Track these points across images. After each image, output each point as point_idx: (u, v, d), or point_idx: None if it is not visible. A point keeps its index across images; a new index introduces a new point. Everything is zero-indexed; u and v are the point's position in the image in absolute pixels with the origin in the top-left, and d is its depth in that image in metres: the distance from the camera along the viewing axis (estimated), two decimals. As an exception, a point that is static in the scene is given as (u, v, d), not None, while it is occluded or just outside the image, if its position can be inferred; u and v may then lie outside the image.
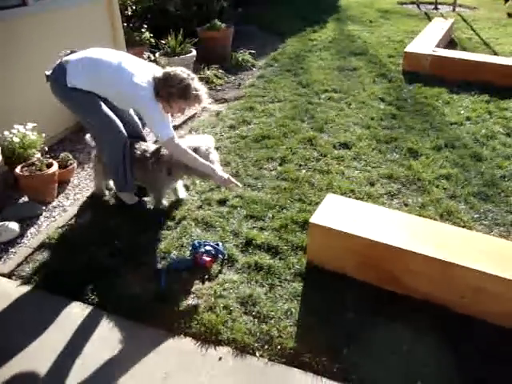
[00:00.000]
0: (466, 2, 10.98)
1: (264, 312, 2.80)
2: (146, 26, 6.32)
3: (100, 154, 3.68)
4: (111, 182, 3.84)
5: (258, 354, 2.59)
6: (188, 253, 3.22)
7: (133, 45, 5.89)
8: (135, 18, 6.39)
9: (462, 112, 5.29)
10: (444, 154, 4.45)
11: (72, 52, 3.49)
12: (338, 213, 3.09)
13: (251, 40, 7.70)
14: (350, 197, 3.75)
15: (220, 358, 2.59)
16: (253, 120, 5.05)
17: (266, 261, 3.16)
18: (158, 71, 3.30)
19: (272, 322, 2.74)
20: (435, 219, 3.55)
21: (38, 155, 3.90)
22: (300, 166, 4.24)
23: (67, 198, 3.95)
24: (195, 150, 3.37)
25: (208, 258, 3.13)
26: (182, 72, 3.22)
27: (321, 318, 2.78)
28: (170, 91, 3.17)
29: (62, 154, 4.15)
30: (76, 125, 4.83)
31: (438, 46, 6.82)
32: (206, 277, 3.07)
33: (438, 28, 7.66)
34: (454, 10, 10.26)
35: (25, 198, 3.90)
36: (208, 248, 3.19)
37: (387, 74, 6.33)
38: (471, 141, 4.68)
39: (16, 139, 3.84)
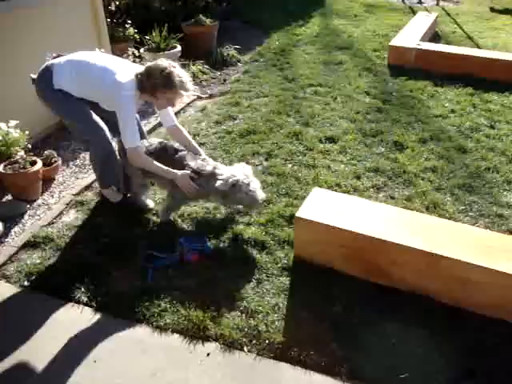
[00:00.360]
0: (450, -5, 11.04)
1: (251, 307, 2.79)
2: (130, 22, 6.27)
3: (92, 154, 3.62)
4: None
5: (246, 349, 2.59)
6: (175, 249, 3.20)
7: (117, 41, 5.85)
8: (119, 14, 6.32)
9: (447, 105, 5.32)
10: (429, 146, 4.48)
11: (59, 55, 3.47)
12: (324, 206, 3.09)
13: (236, 35, 7.67)
14: (336, 190, 3.75)
15: (208, 354, 2.58)
16: (238, 115, 5.03)
17: (253, 255, 3.15)
18: (140, 68, 3.28)
19: (260, 316, 2.74)
20: (421, 211, 3.56)
21: (22, 153, 3.84)
22: (286, 160, 4.23)
23: (52, 196, 3.91)
24: (235, 184, 3.18)
25: (194, 254, 3.12)
26: (163, 62, 3.18)
27: (308, 311, 2.78)
28: (154, 82, 3.13)
29: (46, 152, 4.11)
30: (60, 122, 4.77)
31: (422, 39, 6.84)
32: (193, 273, 3.05)
33: (422, 22, 7.69)
34: (437, 3, 10.30)
35: (8, 197, 3.85)
36: (194, 244, 3.17)
37: (372, 67, 6.34)
38: (456, 133, 4.71)
39: (-2, 137, 3.79)
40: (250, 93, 5.59)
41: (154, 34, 6.05)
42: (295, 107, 5.18)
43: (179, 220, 3.50)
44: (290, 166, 4.15)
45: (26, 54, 4.32)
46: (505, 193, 3.83)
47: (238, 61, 6.76)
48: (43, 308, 2.87)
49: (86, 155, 4.42)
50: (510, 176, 4.02)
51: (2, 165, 3.75)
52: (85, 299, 2.88)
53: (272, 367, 2.52)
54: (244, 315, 2.76)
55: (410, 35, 6.94)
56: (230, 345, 2.61)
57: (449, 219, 3.45)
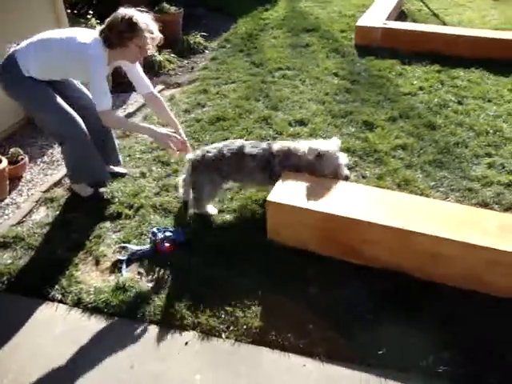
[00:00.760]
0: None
1: (227, 293, 2.79)
2: (91, 13, 6.13)
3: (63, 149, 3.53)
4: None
5: (224, 336, 2.60)
6: (148, 240, 3.17)
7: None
8: (80, 4, 6.18)
9: (415, 82, 5.34)
10: (399, 124, 4.50)
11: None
12: (296, 189, 3.08)
13: (202, 22, 7.57)
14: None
15: (186, 343, 2.58)
16: (207, 103, 4.98)
17: (227, 242, 3.14)
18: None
19: (236, 302, 2.74)
20: (393, 189, 3.59)
21: (-15, 152, 3.76)
22: (257, 145, 4.21)
23: (20, 195, 3.82)
24: (322, 154, 3.15)
25: (168, 244, 3.10)
26: (121, 10, 3.09)
27: (285, 294, 2.79)
28: (118, 32, 3.05)
29: (11, 150, 4.01)
30: (25, 118, 4.68)
31: (388, 18, 6.84)
32: (168, 263, 3.03)
33: (388, 1, 7.68)
34: (403, -18, 10.29)
35: (-25, 197, 3.77)
36: (168, 234, 3.15)
37: (340, 48, 6.32)
38: (425, 110, 4.74)
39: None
40: (218, 80, 5.54)
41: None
42: (264, 92, 5.15)
43: (151, 211, 3.46)
44: (260, 150, 4.13)
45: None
46: (474, 167, 3.88)
47: (205, 48, 6.68)
48: (17, 308, 2.83)
49: (54, 151, 4.35)
50: (478, 150, 4.07)
51: (-34, 165, 3.66)
52: (59, 296, 2.85)
53: (251, 352, 2.53)
54: (220, 302, 2.75)
55: (377, 15, 6.93)
56: (208, 332, 2.61)
57: (420, 195, 3.48)
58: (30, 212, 3.56)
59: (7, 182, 3.80)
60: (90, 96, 3.36)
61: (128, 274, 2.98)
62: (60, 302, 2.83)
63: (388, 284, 2.81)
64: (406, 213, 2.88)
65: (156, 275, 2.96)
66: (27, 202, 3.68)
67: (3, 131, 4.53)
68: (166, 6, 6.70)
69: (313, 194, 3.04)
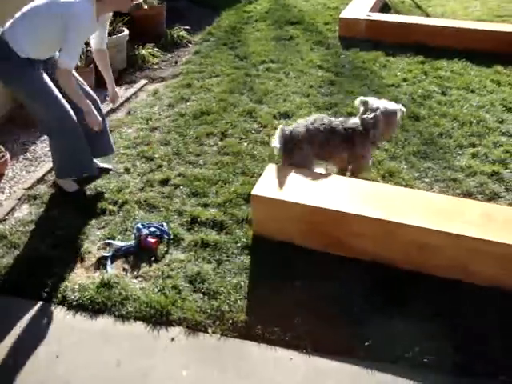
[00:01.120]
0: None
1: (213, 288, 2.78)
2: None
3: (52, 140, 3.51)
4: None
5: (210, 331, 2.59)
6: (133, 236, 3.15)
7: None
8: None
9: (399, 74, 5.35)
10: (383, 116, 4.50)
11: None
12: (280, 182, 3.08)
13: (186, 16, 7.49)
14: (292, 166, 3.74)
15: (172, 339, 2.57)
16: (191, 97, 4.94)
17: (212, 237, 3.13)
18: None
19: (222, 297, 2.73)
20: (377, 181, 3.60)
21: (-34, 150, 3.70)
22: (241, 139, 4.19)
23: (2, 192, 3.77)
24: (376, 109, 3.25)
25: (153, 240, 3.08)
26: None
27: (270, 288, 2.79)
28: None
29: (-9, 147, 3.96)
30: (6, 115, 4.61)
31: (372, 10, 6.83)
32: (153, 259, 3.02)
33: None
34: (386, -27, 10.30)
35: (-44, 196, 3.71)
36: (152, 229, 3.13)
37: (324, 41, 6.30)
38: (409, 101, 4.74)
39: None
40: (202, 73, 5.49)
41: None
42: (248, 85, 5.12)
43: (136, 206, 3.43)
44: (245, 144, 4.12)
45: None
46: (458, 157, 3.90)
47: (189, 42, 6.62)
48: (0, 308, 2.79)
49: (37, 148, 4.30)
50: (462, 140, 4.09)
51: None
52: (44, 295, 2.81)
53: (237, 346, 2.53)
54: (206, 297, 2.74)
55: (360, 7, 6.91)
56: (194, 328, 2.60)
57: (405, 186, 3.49)
58: (13, 210, 3.51)
59: (-11, 180, 3.75)
60: (82, 80, 3.39)
61: (113, 270, 2.96)
62: (44, 300, 2.80)
63: (374, 276, 2.82)
64: (391, 204, 2.89)
65: (141, 271, 2.94)
66: (9, 200, 3.62)
67: (-17, 128, 4.46)
68: (148, 0, 6.63)
69: (297, 188, 3.03)
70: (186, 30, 6.76)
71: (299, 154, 3.27)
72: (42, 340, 2.58)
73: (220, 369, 2.42)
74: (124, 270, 2.97)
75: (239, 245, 3.07)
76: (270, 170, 3.22)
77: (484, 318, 2.59)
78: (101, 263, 3.02)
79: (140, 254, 3.05)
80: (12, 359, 2.50)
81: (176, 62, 6.00)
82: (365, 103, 3.36)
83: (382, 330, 2.54)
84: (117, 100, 4.00)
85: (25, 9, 3.16)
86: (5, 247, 3.15)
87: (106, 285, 2.83)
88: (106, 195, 3.55)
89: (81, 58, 5.14)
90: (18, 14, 3.16)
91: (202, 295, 2.76)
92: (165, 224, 3.21)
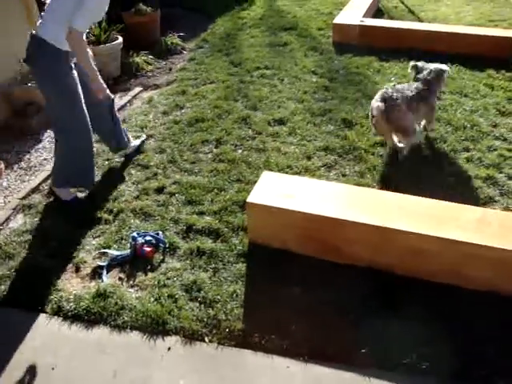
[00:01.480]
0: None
1: (209, 297, 2.77)
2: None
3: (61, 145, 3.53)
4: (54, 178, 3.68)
5: (207, 340, 2.58)
6: (128, 245, 3.14)
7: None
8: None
9: (393, 79, 5.36)
10: (378, 121, 4.51)
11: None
12: (275, 190, 3.08)
13: (180, 22, 7.51)
14: (287, 172, 3.75)
15: (169, 348, 2.56)
16: (186, 104, 4.94)
17: (208, 245, 3.12)
18: None
19: (218, 305, 2.72)
20: (373, 186, 3.60)
21: (-40, 159, 3.68)
22: (236, 146, 4.19)
23: (-3, 202, 3.76)
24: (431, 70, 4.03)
25: (149, 249, 3.07)
26: None
27: (267, 296, 2.78)
28: None
29: (-14, 157, 3.95)
30: (1, 124, 4.60)
31: (365, 15, 6.85)
32: (149, 267, 3.02)
33: (364, -2, 7.71)
34: (379, -21, 10.34)
35: (-50, 206, 3.69)
36: (148, 238, 3.13)
37: (318, 46, 6.32)
38: (403, 107, 4.75)
39: None
40: (197, 80, 5.50)
41: (93, 27, 5.86)
42: (242, 92, 5.12)
43: (131, 215, 3.43)
44: (240, 151, 4.12)
45: None
46: (452, 162, 3.91)
47: (183, 49, 6.63)
48: (-6, 318, 2.78)
49: (31, 157, 4.29)
50: (456, 145, 4.09)
51: None
52: (39, 305, 2.80)
53: (234, 355, 2.52)
54: (202, 306, 2.74)
55: (354, 12, 6.94)
56: (191, 337, 2.59)
57: (400, 192, 3.49)
58: (7, 220, 3.50)
59: (-17, 190, 3.74)
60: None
61: (108, 279, 2.95)
62: (39, 310, 2.78)
63: (370, 282, 2.81)
64: (386, 210, 2.89)
65: (137, 280, 2.93)
66: (4, 210, 3.61)
67: (-22, 138, 4.45)
68: (142, 7, 6.64)
69: (293, 194, 3.03)
70: (180, 36, 6.77)
71: (398, 110, 3.75)
72: (37, 351, 2.57)
73: (217, 378, 2.41)
74: (120, 279, 2.96)
75: (235, 252, 3.06)
76: (265, 177, 3.21)
77: (481, 322, 2.58)
78: (96, 273, 3.00)
79: (136, 263, 3.04)
80: (7, 371, 2.48)
81: (170, 69, 6.01)
82: (415, 67, 4.15)
83: (379, 337, 2.53)
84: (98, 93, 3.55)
85: (47, 4, 3.25)
86: (-1, 257, 3.14)
87: (101, 295, 2.82)
88: (101, 204, 3.55)
89: (75, 66, 5.14)
90: (45, 10, 3.25)
91: (198, 304, 2.75)
92: (160, 232, 3.21)
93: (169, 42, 6.59)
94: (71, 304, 2.79)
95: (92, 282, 2.95)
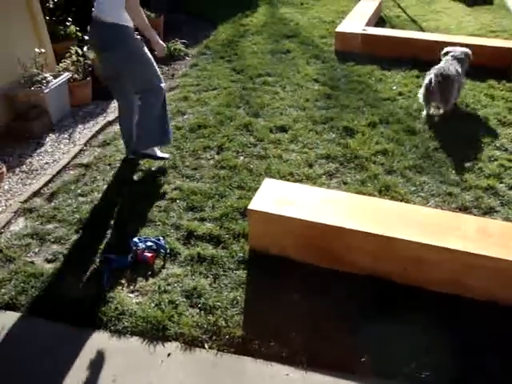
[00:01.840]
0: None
1: (210, 303, 2.77)
2: (71, 20, 6.08)
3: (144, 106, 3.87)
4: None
5: (207, 346, 2.57)
6: (128, 250, 3.14)
7: (58, 39, 5.66)
8: (59, 11, 6.12)
9: (395, 88, 5.39)
10: (379, 130, 4.53)
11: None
12: (277, 197, 3.09)
13: (183, 29, 7.55)
14: (288, 180, 3.76)
15: (169, 354, 2.55)
16: (188, 110, 4.96)
17: (209, 251, 3.13)
18: None
19: (218, 312, 2.72)
20: (374, 195, 3.61)
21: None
22: (238, 152, 4.21)
23: (-2, 205, 3.77)
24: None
25: (150, 254, 3.07)
26: None
27: (267, 303, 2.79)
28: None
29: (-12, 160, 3.96)
30: (2, 128, 4.62)
31: (367, 24, 6.90)
32: (149, 273, 3.01)
33: (367, 7, 7.75)
34: (381, -12, 10.38)
35: (-49, 209, 3.69)
36: (149, 244, 3.13)
37: (320, 54, 6.36)
38: (404, 115, 4.78)
39: None
40: (199, 86, 5.52)
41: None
42: (245, 98, 5.15)
43: (132, 220, 3.43)
44: (241, 158, 4.13)
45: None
46: (453, 171, 3.92)
47: (186, 55, 6.66)
48: (-6, 322, 2.77)
49: (33, 160, 4.30)
50: (457, 155, 4.11)
51: None
52: (39, 309, 2.79)
53: (234, 362, 2.51)
54: (203, 312, 2.73)
55: (356, 21, 6.99)
56: (191, 343, 2.59)
57: (401, 201, 3.51)
58: (8, 223, 3.51)
59: (-15, 193, 3.74)
60: None
61: (109, 284, 2.94)
62: (39, 315, 2.77)
63: (371, 290, 2.82)
64: (387, 219, 2.90)
65: (137, 286, 2.93)
66: (5, 213, 3.62)
67: (-20, 141, 4.47)
68: (146, 12, 6.66)
69: (294, 202, 3.04)
70: (182, 43, 6.80)
71: (452, 86, 4.58)
72: (36, 356, 2.56)
73: (216, 385, 2.41)
74: (120, 284, 2.95)
75: (236, 259, 3.07)
76: (267, 184, 3.23)
77: (481, 332, 2.59)
78: (97, 277, 3.00)
79: (136, 269, 3.04)
80: (5, 377, 2.47)
81: (173, 75, 6.03)
82: (446, 53, 5.03)
83: (378, 345, 2.53)
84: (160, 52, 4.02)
85: None
86: (0, 261, 3.14)
87: (101, 299, 2.82)
88: (102, 209, 3.55)
89: (78, 70, 5.18)
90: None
91: (198, 310, 2.75)
92: (161, 238, 3.21)
93: (172, 48, 6.62)
94: (71, 309, 2.78)
95: (93, 287, 2.94)
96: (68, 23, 5.97)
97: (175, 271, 3.01)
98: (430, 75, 4.60)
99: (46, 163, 4.27)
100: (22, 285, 2.94)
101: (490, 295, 2.69)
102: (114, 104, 5.19)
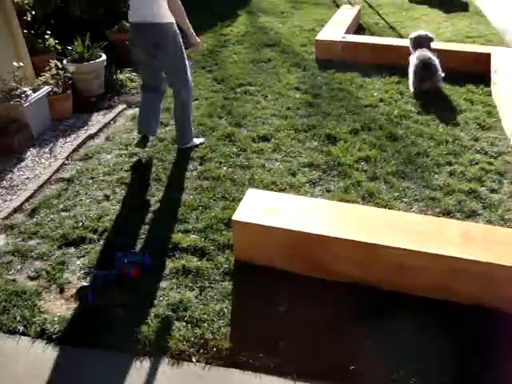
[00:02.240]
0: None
1: (196, 316, 2.75)
2: (49, 33, 6.03)
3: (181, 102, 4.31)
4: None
5: (194, 360, 2.55)
6: (114, 265, 3.10)
7: (37, 53, 5.61)
8: (37, 24, 6.07)
9: (376, 94, 5.43)
10: (361, 136, 4.55)
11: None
12: (260, 207, 3.08)
13: (163, 39, 7.54)
14: (272, 189, 3.75)
15: (156, 369, 2.52)
16: (170, 121, 4.93)
17: (194, 263, 3.10)
18: None
19: (205, 324, 2.70)
20: (358, 202, 3.62)
21: None
22: (220, 163, 4.20)
23: (-22, 223, 3.70)
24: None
25: (134, 268, 3.04)
26: None
27: (254, 314, 2.77)
28: None
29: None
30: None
31: (347, 32, 6.95)
32: (134, 287, 2.97)
33: (346, 15, 7.82)
34: (360, -4, 10.49)
35: None
36: (133, 257, 3.09)
37: (301, 63, 6.38)
38: (386, 122, 4.81)
39: None
40: (181, 97, 5.50)
41: (76, 44, 5.85)
42: (226, 108, 5.14)
43: (116, 234, 3.40)
44: (224, 168, 4.12)
45: None
46: (436, 176, 3.95)
47: (167, 65, 6.64)
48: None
49: (14, 176, 4.24)
50: (439, 159, 4.15)
51: None
52: (21, 328, 2.74)
53: (222, 374, 2.49)
54: (189, 325, 2.71)
55: (336, 28, 7.03)
56: (178, 357, 2.56)
57: (384, 207, 3.52)
58: (-12, 240, 3.45)
59: (-36, 211, 3.68)
60: None
61: (94, 300, 2.90)
62: (22, 334, 2.72)
63: (358, 298, 2.82)
64: (371, 226, 2.91)
65: (122, 301, 2.89)
66: (-15, 230, 3.56)
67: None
68: (126, 24, 6.64)
69: (278, 212, 3.03)
70: (163, 53, 6.77)
71: (436, 74, 5.37)
72: (18, 376, 2.51)
73: (205, 399, 2.39)
74: (105, 299, 2.91)
75: (221, 271, 3.05)
76: (250, 194, 3.22)
77: (469, 337, 2.59)
78: (81, 293, 2.95)
79: (121, 283, 3.00)
80: (-10, 397, 2.43)
81: (154, 86, 5.99)
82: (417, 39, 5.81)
83: (367, 353, 2.53)
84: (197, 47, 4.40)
85: None
86: (-22, 279, 3.09)
87: (87, 316, 2.78)
88: (85, 223, 3.51)
89: (57, 83, 5.14)
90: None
91: (184, 323, 2.72)
92: (145, 252, 3.18)
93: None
94: (55, 326, 2.73)
95: (77, 303, 2.90)
96: (47, 36, 5.92)
97: (160, 285, 2.98)
98: (416, 62, 5.46)
99: (27, 178, 4.21)
100: (3, 304, 2.89)
101: (475, 299, 2.71)
102: (96, 117, 5.16)
